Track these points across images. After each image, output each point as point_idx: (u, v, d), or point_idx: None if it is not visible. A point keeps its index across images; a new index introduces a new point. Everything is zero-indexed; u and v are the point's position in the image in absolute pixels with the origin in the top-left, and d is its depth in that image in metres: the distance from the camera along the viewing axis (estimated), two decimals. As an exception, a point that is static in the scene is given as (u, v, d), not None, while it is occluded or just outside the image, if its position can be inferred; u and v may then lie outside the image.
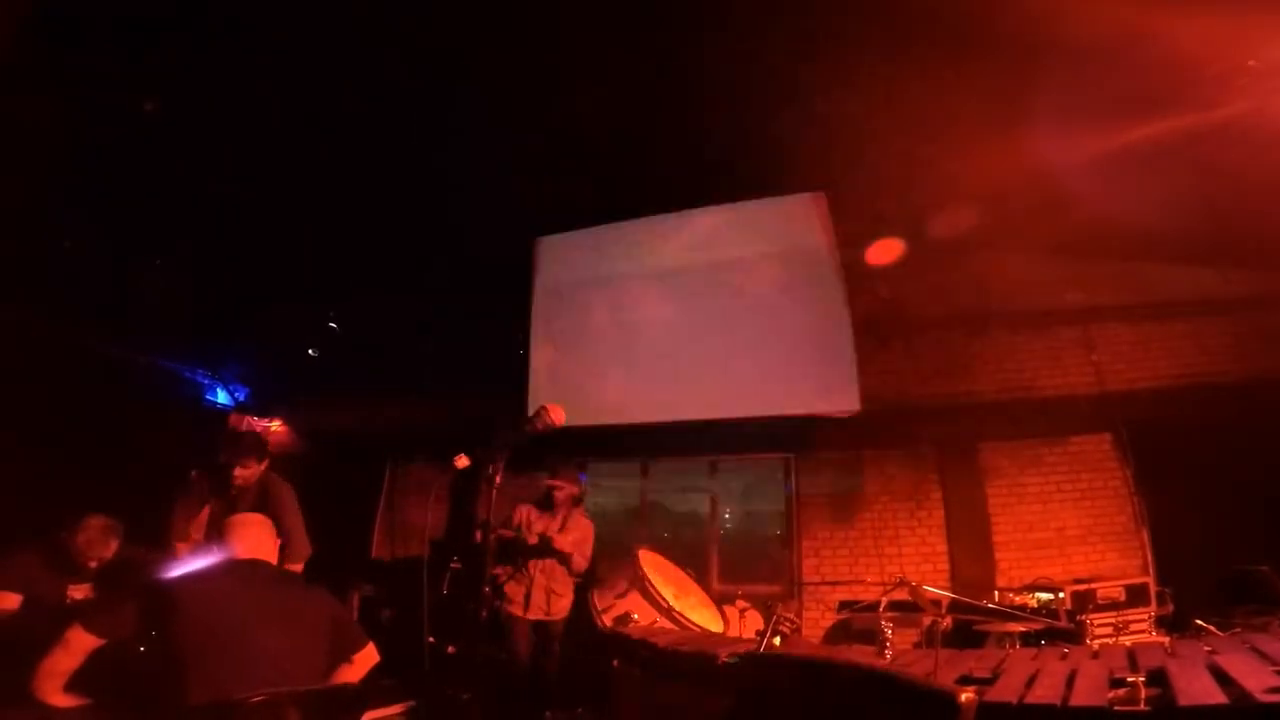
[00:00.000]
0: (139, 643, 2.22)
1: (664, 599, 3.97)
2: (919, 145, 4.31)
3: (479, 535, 2.31)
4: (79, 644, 2.13)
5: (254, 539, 2.52)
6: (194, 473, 3.88)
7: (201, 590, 2.24)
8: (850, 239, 5.48)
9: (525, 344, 6.26)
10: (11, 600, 3.08)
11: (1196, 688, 1.65)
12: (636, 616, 3.79)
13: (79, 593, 3.28)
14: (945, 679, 2.07)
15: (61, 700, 2.17)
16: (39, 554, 3.25)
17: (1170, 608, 4.28)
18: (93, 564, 3.27)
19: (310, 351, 7.09)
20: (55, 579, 3.23)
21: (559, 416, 2.33)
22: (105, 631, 2.15)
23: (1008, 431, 5.58)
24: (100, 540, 3.27)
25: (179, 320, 6.27)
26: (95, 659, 2.17)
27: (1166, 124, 3.61)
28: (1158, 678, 1.77)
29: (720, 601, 4.75)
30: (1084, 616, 3.98)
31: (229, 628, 2.18)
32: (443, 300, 6.44)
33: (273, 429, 7.52)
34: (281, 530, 3.17)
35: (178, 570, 2.39)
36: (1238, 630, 2.85)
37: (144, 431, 5.98)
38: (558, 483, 4.31)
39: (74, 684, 2.18)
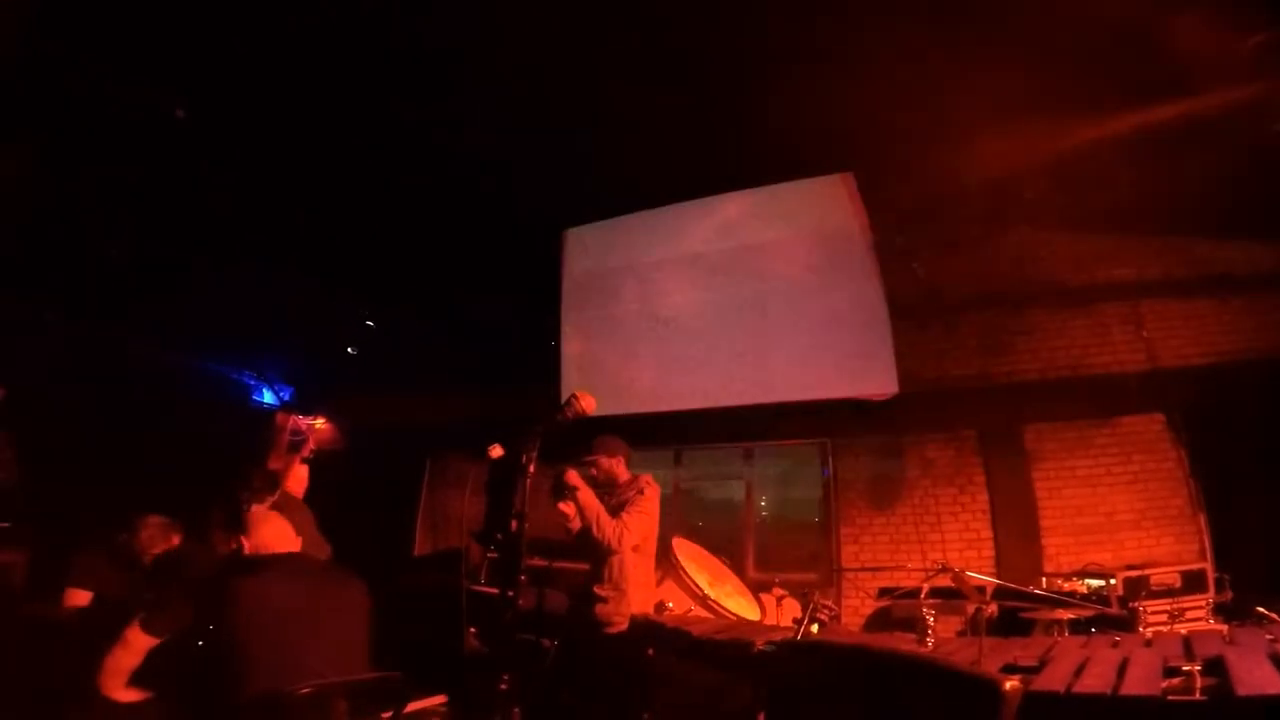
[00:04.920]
0: (196, 638, 2.29)
1: (699, 587, 3.96)
2: (953, 120, 4.18)
3: (514, 524, 2.32)
4: (137, 643, 2.22)
5: (279, 531, 2.59)
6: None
7: (253, 585, 2.29)
8: (884, 219, 5.36)
9: (556, 335, 6.30)
10: (82, 597, 3.24)
11: (1256, 677, 1.58)
12: (671, 605, 3.78)
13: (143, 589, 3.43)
14: (989, 667, 2.02)
15: (125, 695, 2.28)
16: (105, 553, 3.39)
17: (1229, 594, 4.12)
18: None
19: (350, 350, 7.27)
20: (121, 576, 3.37)
21: (590, 405, 2.32)
22: (161, 631, 2.23)
23: (1054, 413, 5.41)
24: (161, 537, 3.40)
25: (226, 324, 6.48)
26: (156, 655, 2.26)
27: (1212, 96, 3.45)
28: (1215, 666, 1.70)
29: (757, 589, 4.72)
30: (1137, 603, 3.85)
31: (281, 621, 2.24)
32: (475, 295, 6.52)
33: (316, 426, 7.72)
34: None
35: (229, 567, 2.46)
36: (1302, 617, 2.72)
37: (195, 432, 6.22)
38: (591, 458, 3.56)
39: (137, 679, 2.28)
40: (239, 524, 2.62)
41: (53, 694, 2.64)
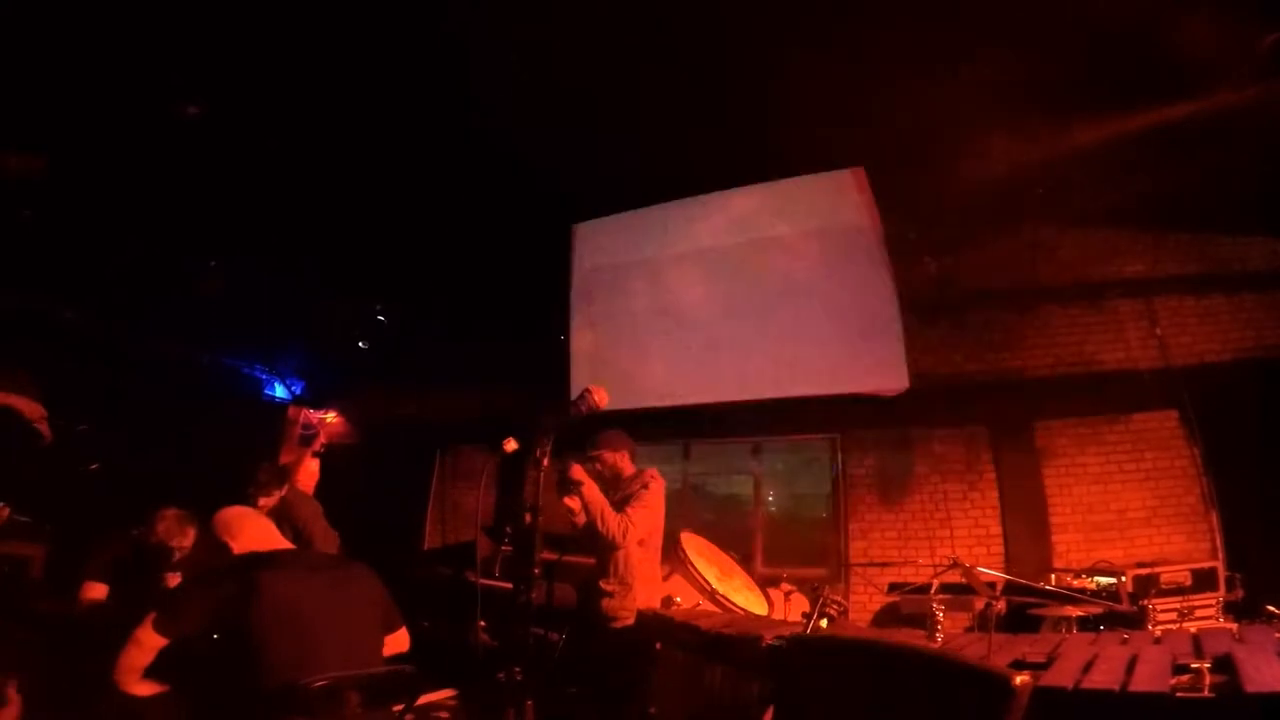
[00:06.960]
0: (213, 631, 2.32)
1: (707, 582, 3.97)
2: (966, 115, 4.15)
3: (528, 518, 2.33)
4: (150, 643, 2.22)
5: (262, 530, 2.59)
6: None
7: (274, 579, 2.30)
8: (895, 214, 5.34)
9: (566, 330, 6.31)
10: (99, 590, 3.27)
11: (1265, 674, 1.58)
12: (679, 599, 3.78)
13: (166, 580, 3.47)
14: (998, 663, 2.03)
15: (141, 690, 2.29)
16: (122, 546, 3.43)
17: (1240, 593, 4.09)
18: (176, 555, 3.44)
19: (361, 344, 7.32)
20: (139, 570, 3.42)
21: (603, 399, 2.33)
22: (173, 631, 2.24)
23: (1065, 409, 5.38)
24: (178, 530, 3.43)
25: (238, 319, 6.54)
26: (173, 648, 2.28)
27: (1226, 93, 3.41)
28: (1224, 664, 1.70)
29: (765, 584, 4.74)
30: (1146, 601, 3.83)
31: (298, 615, 2.26)
32: (485, 290, 6.55)
33: (328, 420, 7.79)
34: (307, 533, 3.73)
35: (248, 562, 2.48)
36: (1314, 616, 2.71)
37: (209, 426, 6.29)
38: (595, 453, 3.58)
39: (153, 672, 2.28)
40: (217, 527, 2.61)
41: (71, 686, 2.68)
